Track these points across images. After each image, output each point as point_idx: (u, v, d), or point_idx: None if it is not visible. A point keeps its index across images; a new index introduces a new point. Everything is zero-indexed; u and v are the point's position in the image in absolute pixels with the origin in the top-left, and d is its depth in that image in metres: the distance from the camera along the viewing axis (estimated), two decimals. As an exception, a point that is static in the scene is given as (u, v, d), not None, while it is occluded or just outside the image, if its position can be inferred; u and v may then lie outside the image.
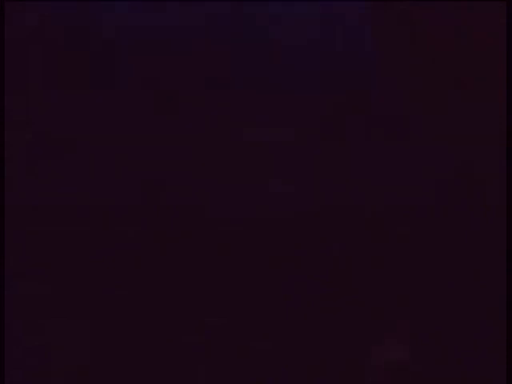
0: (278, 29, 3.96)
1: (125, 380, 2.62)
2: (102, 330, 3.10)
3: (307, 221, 4.46)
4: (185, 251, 4.19)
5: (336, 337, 3.08)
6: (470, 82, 3.97)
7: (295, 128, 4.07)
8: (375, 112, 4.11)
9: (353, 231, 4.18)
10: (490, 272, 3.35)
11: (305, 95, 4.06)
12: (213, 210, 4.37)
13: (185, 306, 3.46)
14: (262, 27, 4.01)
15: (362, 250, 3.93)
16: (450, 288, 3.39)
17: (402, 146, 4.24)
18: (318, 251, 4.09)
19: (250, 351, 2.88)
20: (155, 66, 4.05)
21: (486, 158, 3.89)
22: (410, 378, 2.71)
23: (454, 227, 3.95)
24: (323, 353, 2.86)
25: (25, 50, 3.97)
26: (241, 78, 4.01)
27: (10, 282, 3.26)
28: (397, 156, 4.32)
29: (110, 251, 4.26)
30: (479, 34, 3.85)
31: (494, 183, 3.70)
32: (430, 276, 3.55)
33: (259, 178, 4.18)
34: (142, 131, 3.87)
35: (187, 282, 3.70)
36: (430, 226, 4.09)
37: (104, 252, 4.27)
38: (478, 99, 3.98)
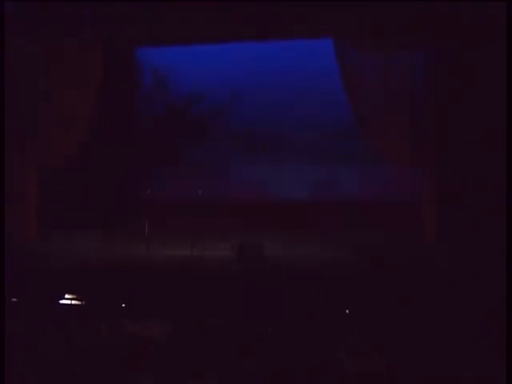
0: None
1: (124, 379, 2.62)
2: (101, 327, 3.10)
3: (306, 221, 4.44)
4: (185, 251, 4.19)
5: (336, 337, 3.08)
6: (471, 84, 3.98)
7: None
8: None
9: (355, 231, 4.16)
10: (490, 272, 3.35)
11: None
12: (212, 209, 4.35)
13: (185, 306, 3.46)
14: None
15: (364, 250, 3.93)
16: (450, 288, 3.39)
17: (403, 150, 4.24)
18: (318, 254, 4.07)
19: (250, 351, 2.88)
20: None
21: (486, 159, 3.89)
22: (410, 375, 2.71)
23: (454, 228, 3.94)
24: (323, 352, 2.86)
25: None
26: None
27: (10, 282, 3.27)
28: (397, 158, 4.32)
29: (110, 251, 4.26)
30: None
31: (494, 184, 3.70)
32: (430, 276, 3.55)
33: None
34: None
35: (187, 281, 3.70)
36: (430, 226, 4.09)
37: (104, 252, 4.26)
38: (478, 103, 3.98)
